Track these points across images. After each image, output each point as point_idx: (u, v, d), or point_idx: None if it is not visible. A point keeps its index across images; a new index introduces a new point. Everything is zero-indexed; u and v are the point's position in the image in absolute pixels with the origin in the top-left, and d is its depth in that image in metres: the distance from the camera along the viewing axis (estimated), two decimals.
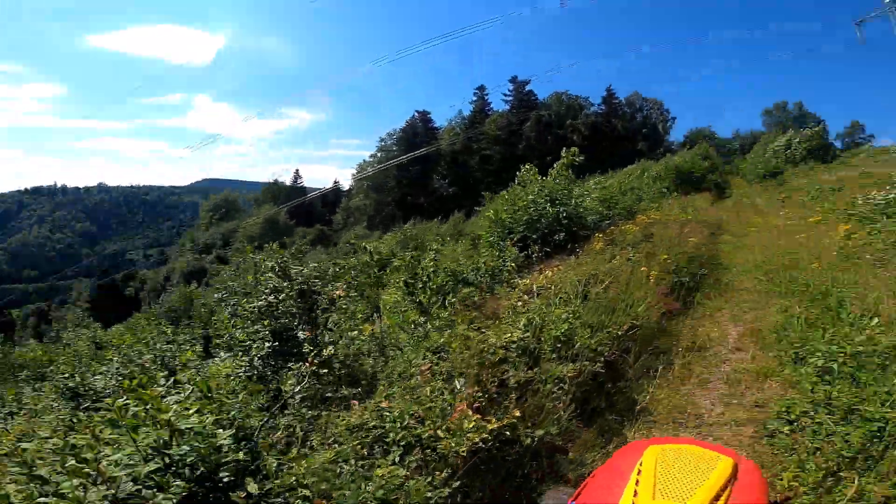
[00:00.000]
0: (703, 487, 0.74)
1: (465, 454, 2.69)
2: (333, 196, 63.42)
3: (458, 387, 3.46)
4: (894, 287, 4.85)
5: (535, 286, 5.57)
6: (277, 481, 2.23)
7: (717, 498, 0.73)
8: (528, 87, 53.15)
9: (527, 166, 9.32)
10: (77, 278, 76.11)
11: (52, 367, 9.43)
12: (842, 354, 3.80)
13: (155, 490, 1.95)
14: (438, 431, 2.81)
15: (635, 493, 0.75)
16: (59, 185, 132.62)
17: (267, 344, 5.20)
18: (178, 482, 2.02)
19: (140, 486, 1.94)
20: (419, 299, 6.47)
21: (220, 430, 2.30)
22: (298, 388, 3.87)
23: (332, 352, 4.06)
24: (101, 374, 6.99)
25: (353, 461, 2.61)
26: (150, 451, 2.07)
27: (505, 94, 54.13)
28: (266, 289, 5.66)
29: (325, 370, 3.99)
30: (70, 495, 1.79)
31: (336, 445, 2.82)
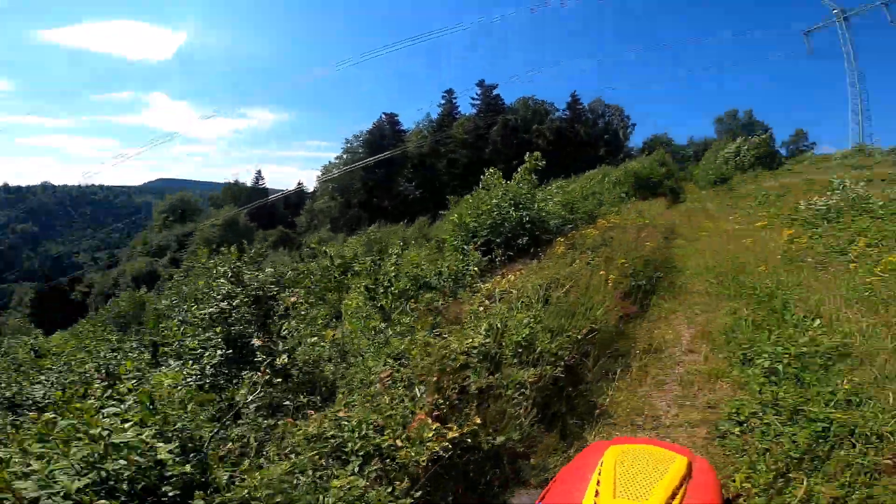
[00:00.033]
0: (659, 486, 0.77)
1: (425, 463, 2.64)
2: (297, 198, 61.99)
3: (419, 394, 3.40)
4: (834, 289, 5.12)
5: (496, 291, 5.56)
6: (229, 494, 2.16)
7: (673, 496, 0.76)
8: (495, 92, 53.90)
9: (491, 170, 9.37)
10: (18, 282, 71.18)
11: None
12: (786, 356, 3.96)
13: None
14: (398, 441, 2.75)
15: (597, 493, 0.76)
16: None
17: (219, 352, 5.01)
18: (111, 499, 1.93)
19: (71, 503, 1.85)
20: (381, 304, 6.37)
21: (161, 444, 2.22)
22: (251, 397, 3.71)
23: (286, 361, 3.93)
24: (39, 383, 6.52)
25: (310, 472, 2.53)
26: (82, 466, 1.97)
27: (473, 98, 54.67)
28: (218, 295, 5.47)
29: (280, 379, 3.86)
30: None
31: (293, 456, 2.73)
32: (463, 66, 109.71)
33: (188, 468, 2.20)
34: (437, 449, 2.71)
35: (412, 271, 6.53)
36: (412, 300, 5.89)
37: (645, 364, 4.97)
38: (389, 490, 2.43)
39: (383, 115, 55.91)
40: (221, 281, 5.53)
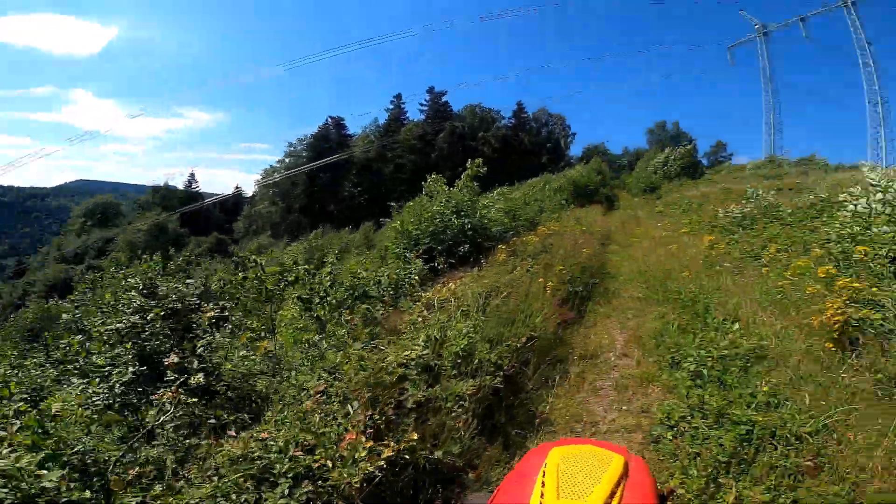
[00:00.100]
0: (600, 485, 0.80)
1: (359, 484, 2.50)
2: (234, 202, 58.84)
3: (351, 411, 3.21)
4: (750, 293, 5.48)
5: (436, 300, 5.45)
6: None
7: (612, 495, 0.79)
8: (444, 99, 54.40)
9: (434, 176, 9.29)
10: None
11: None
12: (710, 358, 4.14)
13: None
14: (329, 461, 2.59)
15: (542, 495, 0.79)
16: None
17: (131, 369, 4.57)
18: None
19: None
20: (317, 315, 6.06)
21: (45, 471, 2.10)
22: (162, 419, 3.38)
23: (201, 380, 3.61)
24: None
25: (234, 496, 2.35)
26: None
27: (422, 104, 54.86)
28: (129, 308, 5.00)
29: (195, 399, 3.56)
30: None
31: (215, 479, 2.51)
32: (411, 73, 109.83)
33: (88, 494, 2.10)
34: (371, 469, 2.58)
35: (349, 281, 6.26)
36: (349, 311, 5.63)
37: (582, 370, 5.04)
38: None
39: (329, 119, 54.76)
40: (132, 294, 5.05)
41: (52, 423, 2.51)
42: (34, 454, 2.13)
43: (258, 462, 2.58)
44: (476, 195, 9.20)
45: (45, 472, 2.09)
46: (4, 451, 2.11)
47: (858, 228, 5.38)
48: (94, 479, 2.22)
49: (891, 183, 5.25)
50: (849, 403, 3.02)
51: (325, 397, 3.52)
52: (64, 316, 7.72)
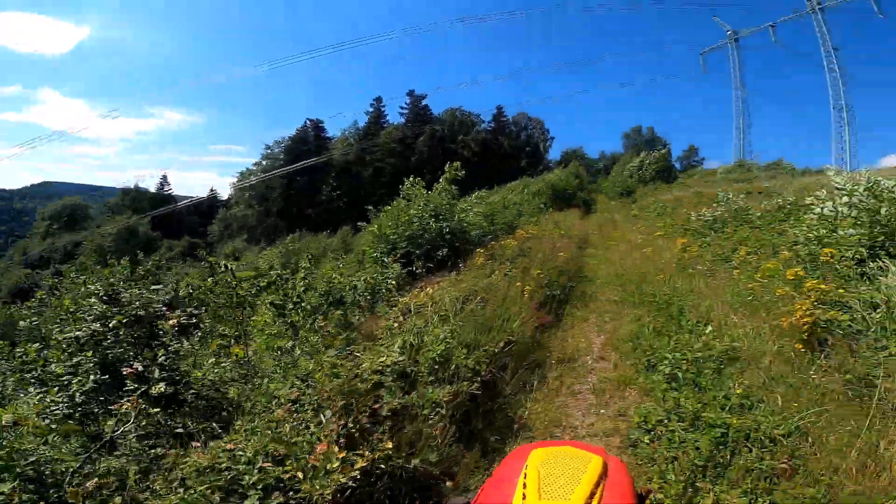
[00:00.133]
0: (580, 486, 0.81)
1: (331, 496, 2.41)
2: (209, 205, 57.44)
3: (324, 420, 3.11)
4: (722, 295, 5.57)
5: (412, 304, 5.36)
6: None
7: (592, 495, 0.80)
8: (424, 102, 54.39)
9: (411, 179, 9.19)
10: None
11: None
12: (684, 361, 4.17)
13: None
14: (299, 472, 2.50)
15: (524, 496, 0.80)
16: None
17: (92, 377, 4.39)
18: None
19: None
20: (291, 321, 5.90)
21: None
22: (122, 428, 3.24)
23: (162, 389, 3.46)
24: None
25: None
26: None
27: (402, 107, 54.73)
28: (89, 316, 4.80)
29: (157, 409, 3.42)
30: None
31: (181, 490, 2.44)
32: (391, 75, 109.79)
33: None
34: (345, 480, 2.48)
35: (323, 286, 6.11)
36: (323, 317, 5.50)
37: (560, 374, 5.02)
38: None
39: (308, 121, 54.06)
40: (93, 300, 4.83)
41: (5, 434, 2.45)
42: None
43: (226, 473, 2.48)
44: (455, 199, 9.15)
45: None
46: None
47: (825, 231, 5.53)
48: (51, 491, 2.16)
49: (856, 187, 5.42)
50: (819, 404, 3.07)
51: (297, 406, 3.44)
52: (21, 323, 7.36)
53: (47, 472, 2.28)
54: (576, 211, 18.04)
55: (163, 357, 3.87)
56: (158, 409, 3.43)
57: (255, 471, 2.51)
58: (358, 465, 2.61)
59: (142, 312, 5.00)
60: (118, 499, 2.26)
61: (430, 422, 3.65)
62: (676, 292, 6.25)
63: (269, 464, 2.59)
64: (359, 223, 11.43)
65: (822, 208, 5.89)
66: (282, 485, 2.46)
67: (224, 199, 57.87)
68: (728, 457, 2.82)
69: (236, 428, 3.36)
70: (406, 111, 54.21)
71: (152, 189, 58.56)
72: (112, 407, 3.70)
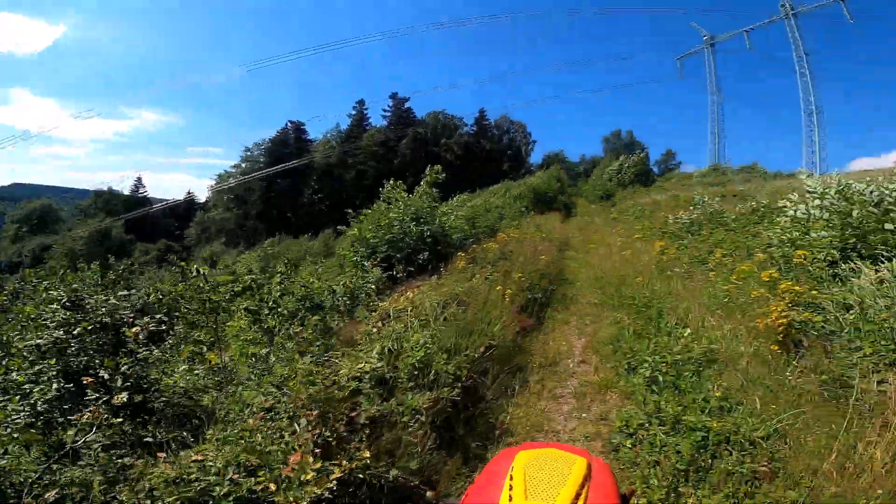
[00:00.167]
0: (565, 487, 0.82)
1: None
2: (186, 208, 56.10)
3: (298, 429, 3.01)
4: (699, 297, 5.63)
5: (391, 309, 5.27)
6: None
7: (577, 497, 0.81)
8: (407, 105, 54.28)
9: (392, 182, 9.09)
10: None
11: None
12: (664, 364, 4.18)
13: None
14: (271, 484, 2.44)
15: (510, 498, 0.81)
16: None
17: (55, 386, 4.21)
18: None
19: None
20: (267, 326, 5.74)
21: None
22: (84, 438, 3.11)
23: (125, 398, 3.33)
24: None
25: None
26: None
27: (385, 110, 54.52)
28: (52, 323, 4.64)
29: (119, 420, 3.34)
30: None
31: (148, 502, 2.39)
32: (375, 78, 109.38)
33: None
34: (320, 491, 2.43)
35: (300, 291, 5.96)
36: (300, 322, 5.36)
37: (542, 378, 4.99)
38: None
39: (289, 123, 53.39)
40: (55, 307, 4.64)
41: None
42: None
43: (195, 484, 2.42)
44: (436, 202, 9.08)
45: None
46: None
47: (798, 234, 5.64)
48: (10, 502, 2.14)
49: (827, 190, 5.55)
50: (797, 406, 3.09)
51: (271, 414, 3.34)
52: None
53: (6, 483, 2.23)
54: (557, 214, 18.17)
55: (125, 366, 3.70)
56: (121, 420, 3.34)
57: (226, 482, 2.44)
58: (334, 475, 2.56)
59: (107, 319, 4.85)
60: None
61: (410, 429, 3.61)
62: (655, 295, 6.29)
63: (241, 475, 2.51)
64: (338, 227, 11.26)
65: (794, 211, 6.01)
66: (254, 496, 2.40)
67: (202, 201, 56.76)
68: (709, 460, 2.82)
69: (208, 437, 3.29)
70: (389, 114, 54.11)
71: (127, 191, 56.95)
72: (72, 418, 3.58)
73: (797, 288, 4.28)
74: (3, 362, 5.10)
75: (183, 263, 5.25)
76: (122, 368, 3.70)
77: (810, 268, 4.93)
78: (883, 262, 4.27)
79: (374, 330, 4.89)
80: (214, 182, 54.94)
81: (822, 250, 5.03)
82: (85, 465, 2.97)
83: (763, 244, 6.54)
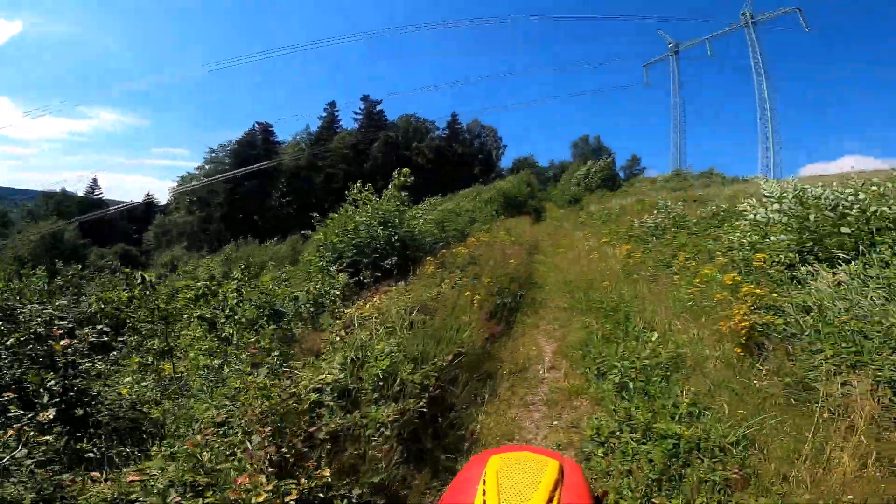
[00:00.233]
0: (539, 490, 0.83)
1: None
2: (144, 211, 53.63)
3: (250, 446, 2.80)
4: (664, 301, 5.67)
5: (356, 316, 5.06)
6: None
7: (550, 499, 0.82)
8: (378, 108, 53.83)
9: (358, 185, 8.85)
10: None
11: None
12: (633, 369, 4.15)
13: None
14: None
15: (484, 503, 0.82)
16: None
17: None
18: None
19: None
20: (224, 335, 5.42)
21: None
22: (8, 458, 2.83)
23: (51, 416, 3.05)
24: None
25: None
26: None
27: (356, 112, 53.89)
28: None
29: (50, 437, 3.12)
30: None
31: None
32: (345, 80, 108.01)
33: None
34: None
35: (259, 298, 5.67)
36: (256, 332, 5.08)
37: (512, 384, 4.89)
38: None
39: (256, 124, 51.97)
40: None
41: None
42: None
43: None
44: (405, 205, 8.90)
45: None
46: None
47: (757, 237, 5.78)
48: None
49: (785, 194, 5.71)
50: (763, 410, 3.10)
51: (224, 429, 3.14)
52: None
53: None
54: (527, 218, 18.31)
55: (52, 381, 3.37)
56: (53, 437, 3.12)
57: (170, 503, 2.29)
58: (291, 497, 2.39)
59: (42, 330, 4.50)
60: None
61: (375, 443, 3.45)
62: (622, 298, 6.32)
63: (187, 495, 2.38)
64: (303, 232, 10.92)
65: (754, 215, 6.16)
66: None
67: (162, 203, 54.42)
68: (681, 469, 2.77)
69: (152, 453, 3.11)
70: (360, 116, 53.52)
71: (81, 192, 53.93)
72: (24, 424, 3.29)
73: (758, 291, 4.35)
74: None
75: (127, 270, 4.89)
76: (49, 384, 3.37)
77: (770, 271, 5.03)
78: (840, 265, 4.39)
79: (338, 338, 4.68)
80: (176, 184, 52.89)
81: (781, 253, 5.16)
82: (17, 481, 2.76)
83: (724, 247, 6.68)
